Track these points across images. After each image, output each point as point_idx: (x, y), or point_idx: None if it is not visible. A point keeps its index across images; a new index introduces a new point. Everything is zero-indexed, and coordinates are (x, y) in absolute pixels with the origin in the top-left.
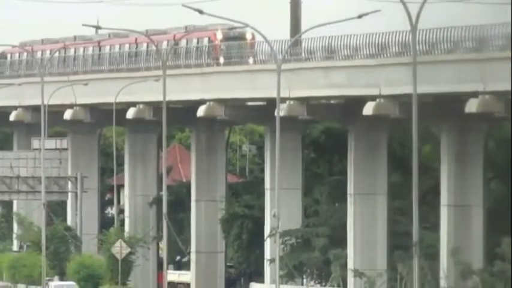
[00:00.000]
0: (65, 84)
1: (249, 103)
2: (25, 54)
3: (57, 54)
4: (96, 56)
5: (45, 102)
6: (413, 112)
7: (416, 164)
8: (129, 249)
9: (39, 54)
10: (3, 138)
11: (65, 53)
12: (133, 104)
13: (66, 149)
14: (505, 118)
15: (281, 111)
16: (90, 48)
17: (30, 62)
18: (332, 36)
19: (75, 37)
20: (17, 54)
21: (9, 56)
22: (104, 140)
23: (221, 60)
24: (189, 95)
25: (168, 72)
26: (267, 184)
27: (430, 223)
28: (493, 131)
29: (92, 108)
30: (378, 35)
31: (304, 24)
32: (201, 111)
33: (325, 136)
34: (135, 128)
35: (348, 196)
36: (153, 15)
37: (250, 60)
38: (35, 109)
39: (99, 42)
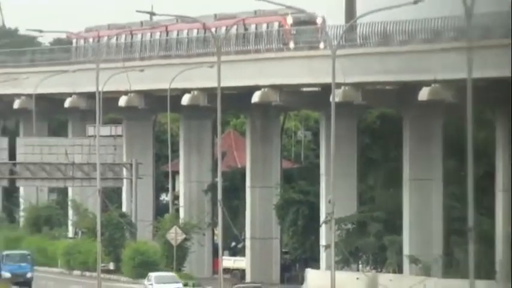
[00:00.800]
0: (119, 71)
1: (304, 89)
2: (91, 39)
3: (122, 39)
4: (163, 41)
5: (100, 89)
6: (468, 97)
7: (471, 150)
8: (184, 236)
9: (105, 39)
10: (58, 125)
11: (131, 38)
12: (188, 90)
13: (121, 136)
14: None
15: (336, 97)
16: (158, 34)
17: (96, 47)
18: (387, 22)
19: (141, 22)
20: (82, 40)
21: (74, 41)
22: (158, 127)
23: (291, 45)
24: (244, 81)
25: (223, 58)
26: (322, 170)
27: (486, 208)
28: None
29: (146, 94)
30: (433, 20)
31: (359, 10)
32: (256, 97)
33: (380, 122)
34: (189, 114)
35: (403, 182)
36: (207, 1)
37: (321, 45)
38: (90, 96)
39: (166, 27)
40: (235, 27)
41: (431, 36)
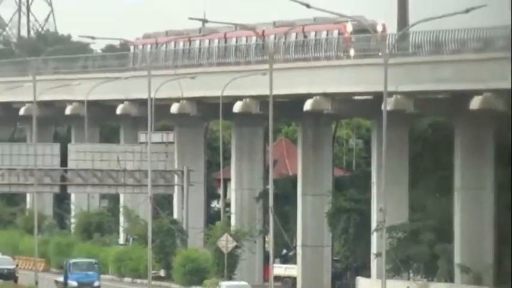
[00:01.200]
0: (171, 78)
1: (356, 97)
2: (149, 46)
3: (180, 45)
4: (222, 49)
5: (152, 96)
6: None
7: None
8: (235, 243)
9: (164, 45)
10: (110, 132)
11: (189, 45)
12: (240, 98)
13: (173, 143)
14: None
15: (388, 105)
16: (216, 41)
17: (154, 53)
18: (439, 30)
19: (200, 29)
20: (140, 46)
21: (132, 47)
22: (210, 134)
23: (352, 52)
24: (296, 89)
25: (275, 66)
26: (374, 178)
27: None
28: None
29: (198, 101)
30: (485, 30)
31: (412, 18)
32: (307, 105)
33: (432, 130)
34: (241, 122)
35: (455, 190)
36: (260, 8)
37: (380, 53)
38: (142, 102)
39: (225, 34)
40: (294, 34)
41: (483, 45)
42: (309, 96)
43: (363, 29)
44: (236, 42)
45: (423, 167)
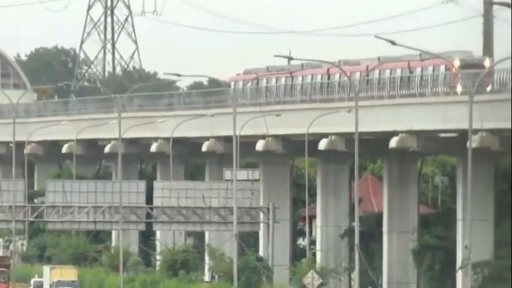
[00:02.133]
0: (257, 115)
1: (441, 134)
2: (250, 82)
3: (282, 81)
4: (288, 87)
5: (238, 133)
6: None
7: None
8: (320, 280)
9: (264, 82)
10: (196, 169)
11: (257, 83)
12: (325, 135)
13: (258, 180)
14: None
15: (473, 142)
16: (283, 79)
17: (254, 90)
18: None
19: (302, 64)
20: (240, 82)
21: (232, 84)
22: (295, 171)
23: (459, 88)
24: (381, 126)
25: (360, 103)
26: (459, 215)
27: None
28: None
29: (284, 139)
30: None
31: (497, 54)
32: (393, 143)
33: None
34: (327, 159)
35: None
36: (345, 45)
37: (488, 88)
38: (227, 140)
39: (291, 72)
40: (399, 70)
41: None
42: (395, 133)
43: (471, 64)
44: (302, 80)
45: (508, 204)
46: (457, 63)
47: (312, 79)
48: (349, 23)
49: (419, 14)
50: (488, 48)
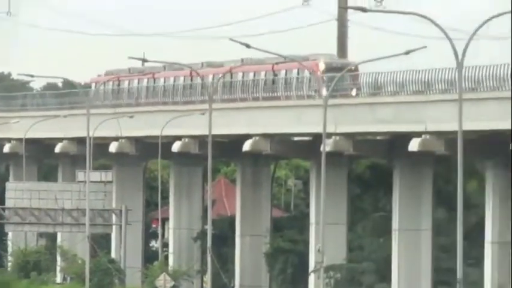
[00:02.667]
0: (110, 117)
1: (295, 138)
2: (111, 83)
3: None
4: (150, 88)
5: (91, 135)
6: (459, 149)
7: (461, 201)
8: (173, 283)
9: (126, 83)
10: (48, 170)
11: (118, 85)
12: (179, 138)
13: (111, 182)
14: None
15: (327, 146)
16: (145, 81)
17: (116, 91)
18: (379, 72)
19: (129, 69)
20: (103, 84)
21: (93, 85)
22: (149, 173)
23: (324, 92)
24: (234, 129)
25: (214, 106)
26: (312, 219)
27: (474, 259)
28: None
29: (137, 140)
30: (424, 72)
31: (351, 59)
32: (246, 146)
33: (370, 172)
34: (180, 161)
35: (393, 232)
36: (203, 47)
37: (353, 91)
38: (81, 141)
39: (153, 74)
40: (263, 73)
41: (422, 87)
42: (248, 136)
43: (336, 68)
44: (164, 82)
45: (362, 208)
46: (322, 66)
47: (174, 81)
48: (207, 26)
49: (276, 17)
50: (342, 52)
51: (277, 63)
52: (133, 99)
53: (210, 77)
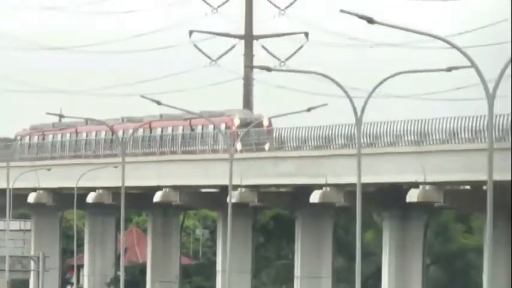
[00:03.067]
0: (29, 169)
1: (203, 190)
2: (35, 137)
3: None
4: (66, 142)
5: (11, 186)
6: (358, 201)
7: (360, 250)
8: None
9: (50, 137)
10: None
11: (43, 139)
12: (93, 189)
13: (30, 230)
14: (443, 207)
15: (233, 198)
16: (68, 135)
17: (40, 145)
18: (282, 128)
19: (53, 124)
20: (27, 137)
21: (19, 138)
22: (65, 222)
23: (238, 146)
24: (146, 181)
25: (127, 159)
26: (219, 266)
27: None
28: (431, 219)
29: (54, 192)
30: (325, 128)
31: (256, 112)
32: (157, 197)
33: (274, 222)
34: (94, 211)
35: (295, 279)
36: (116, 104)
37: (266, 146)
38: (1, 192)
39: (76, 128)
40: (181, 127)
41: (323, 142)
42: (159, 188)
43: (250, 123)
44: (87, 136)
45: (266, 256)
46: (237, 121)
47: (96, 135)
48: (117, 84)
49: (183, 75)
50: (248, 108)
51: (193, 119)
52: (49, 152)
53: (130, 131)
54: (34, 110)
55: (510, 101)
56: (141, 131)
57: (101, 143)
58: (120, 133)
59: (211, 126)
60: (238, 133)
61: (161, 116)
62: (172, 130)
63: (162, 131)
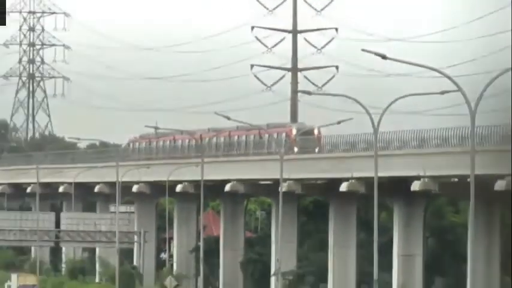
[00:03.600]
0: (133, 167)
1: (261, 182)
2: (144, 143)
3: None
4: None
5: (120, 179)
6: (375, 189)
7: (377, 226)
8: (176, 283)
9: (154, 143)
10: (89, 205)
11: (150, 144)
12: (180, 182)
13: (133, 212)
14: (438, 195)
15: (283, 188)
16: (168, 142)
17: (148, 149)
18: (326, 136)
19: (156, 133)
20: (137, 143)
21: (131, 144)
22: (159, 207)
23: (295, 150)
24: (219, 176)
25: (205, 160)
26: (273, 238)
27: (386, 266)
28: (429, 204)
29: (152, 184)
30: (350, 136)
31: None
32: (227, 188)
33: (313, 205)
34: (181, 199)
35: (329, 248)
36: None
37: (316, 150)
38: (112, 184)
39: (174, 137)
40: (252, 136)
41: (349, 146)
42: (228, 181)
43: (305, 132)
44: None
45: (307, 230)
46: (294, 131)
47: (188, 142)
48: (203, 103)
49: (249, 98)
50: (294, 114)
51: (261, 129)
52: (151, 154)
53: (214, 138)
54: (134, 123)
55: (489, 116)
56: (222, 139)
57: (187, 147)
58: (206, 140)
59: (274, 135)
60: (296, 140)
61: (237, 127)
62: (246, 138)
63: (237, 138)
